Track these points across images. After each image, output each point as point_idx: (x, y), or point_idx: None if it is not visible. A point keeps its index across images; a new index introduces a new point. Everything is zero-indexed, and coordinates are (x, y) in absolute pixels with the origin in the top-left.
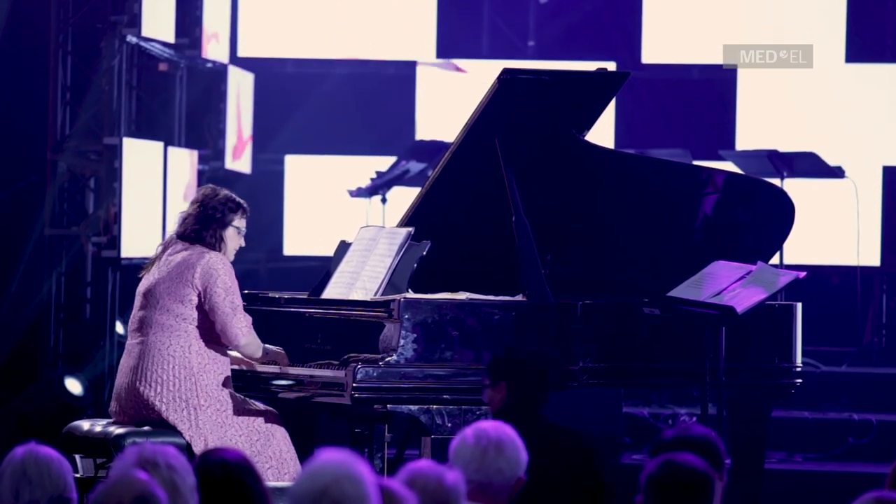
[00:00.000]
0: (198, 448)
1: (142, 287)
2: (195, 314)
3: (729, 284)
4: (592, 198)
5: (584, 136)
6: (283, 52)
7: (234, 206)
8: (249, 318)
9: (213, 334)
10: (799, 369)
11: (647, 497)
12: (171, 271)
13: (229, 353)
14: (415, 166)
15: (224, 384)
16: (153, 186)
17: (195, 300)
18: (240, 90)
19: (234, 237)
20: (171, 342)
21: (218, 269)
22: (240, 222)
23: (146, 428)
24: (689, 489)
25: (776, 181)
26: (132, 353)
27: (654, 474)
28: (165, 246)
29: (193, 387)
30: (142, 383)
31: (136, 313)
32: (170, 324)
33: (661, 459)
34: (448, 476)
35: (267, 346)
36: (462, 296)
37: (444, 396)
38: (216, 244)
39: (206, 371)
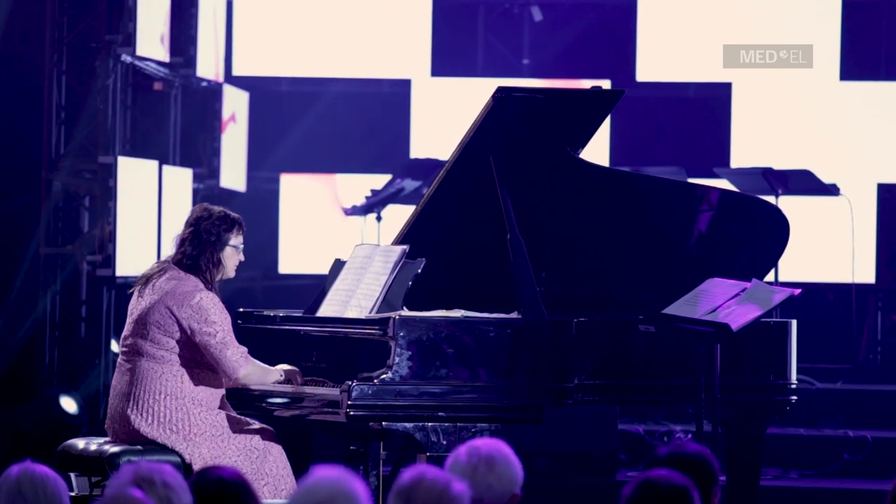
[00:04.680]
0: (196, 466)
1: (134, 309)
2: (184, 347)
3: (724, 302)
4: (587, 215)
5: (578, 154)
6: (278, 70)
7: (228, 226)
8: (243, 350)
9: (205, 361)
10: (794, 386)
11: None
12: (162, 301)
13: None
14: (410, 184)
15: (218, 407)
16: (148, 205)
17: (182, 336)
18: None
19: (232, 256)
20: (164, 370)
21: (206, 308)
22: (236, 240)
23: (141, 447)
24: None
25: (771, 199)
26: (124, 376)
27: (633, 496)
28: (162, 269)
29: (186, 417)
30: (133, 411)
31: (127, 334)
32: (161, 354)
33: (637, 481)
34: (455, 485)
35: (281, 366)
36: (457, 313)
37: (440, 414)
38: (214, 269)
39: (198, 401)
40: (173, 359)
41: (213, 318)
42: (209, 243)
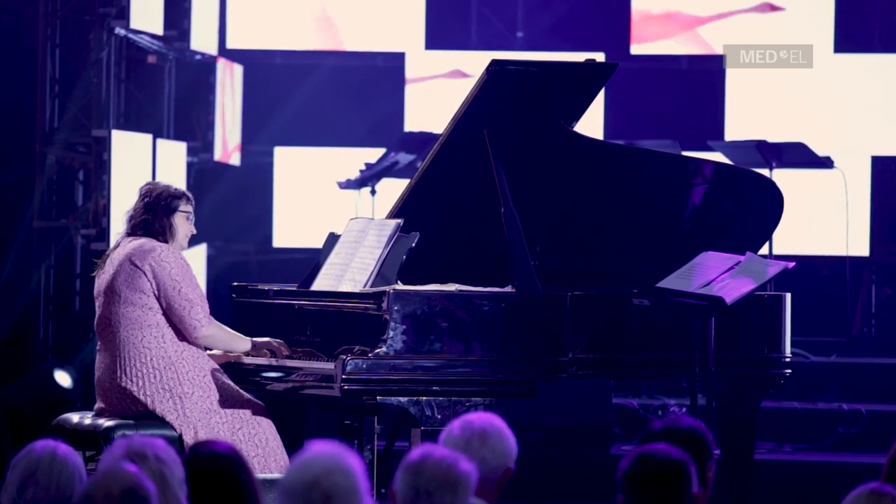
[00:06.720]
0: (188, 436)
1: (99, 286)
2: (157, 303)
3: (718, 275)
4: (581, 189)
5: (572, 127)
6: (272, 43)
7: (177, 193)
8: (207, 310)
9: None
10: (788, 360)
11: (627, 494)
12: (124, 263)
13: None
14: (404, 158)
15: (205, 369)
16: (142, 178)
17: (152, 288)
18: (229, 82)
19: (183, 223)
20: (144, 334)
21: (168, 260)
22: (186, 207)
23: (133, 421)
24: (667, 479)
25: (765, 171)
26: (106, 350)
27: (630, 470)
28: (118, 243)
29: (175, 375)
30: (123, 379)
31: (99, 314)
32: (137, 316)
33: (634, 454)
34: (462, 463)
35: (260, 339)
36: (451, 287)
37: (434, 388)
38: (166, 231)
39: (184, 358)
40: (151, 318)
41: (175, 272)
42: (159, 207)
